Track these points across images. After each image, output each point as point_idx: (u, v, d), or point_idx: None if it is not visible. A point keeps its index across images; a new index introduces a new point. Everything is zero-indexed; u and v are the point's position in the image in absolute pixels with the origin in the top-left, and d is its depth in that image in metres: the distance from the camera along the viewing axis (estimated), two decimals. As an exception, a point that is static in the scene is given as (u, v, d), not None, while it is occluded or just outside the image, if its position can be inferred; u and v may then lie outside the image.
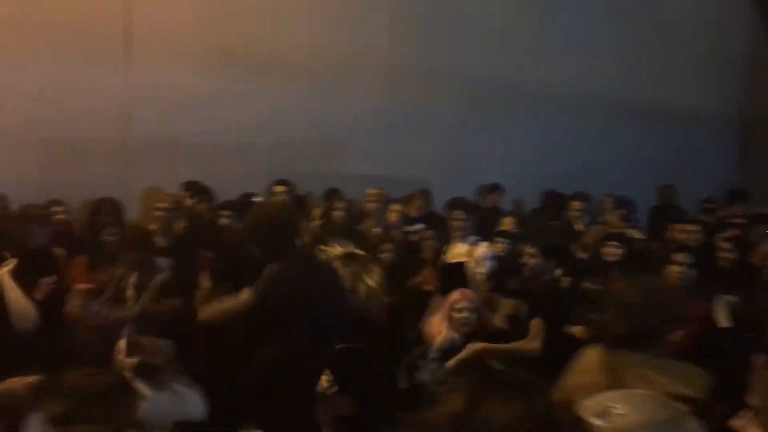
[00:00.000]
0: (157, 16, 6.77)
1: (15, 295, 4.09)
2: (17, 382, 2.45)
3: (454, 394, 1.58)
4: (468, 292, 4.80)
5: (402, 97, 7.83)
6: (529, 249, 4.97)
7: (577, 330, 4.16)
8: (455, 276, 5.49)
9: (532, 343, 4.50)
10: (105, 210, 5.89)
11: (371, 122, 7.76)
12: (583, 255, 5.86)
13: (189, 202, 6.20)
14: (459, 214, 6.14)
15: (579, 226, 6.81)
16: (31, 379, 2.42)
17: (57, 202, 6.03)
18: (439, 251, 5.84)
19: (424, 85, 7.94)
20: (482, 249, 5.63)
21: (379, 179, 7.07)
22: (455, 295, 4.69)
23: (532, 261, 4.92)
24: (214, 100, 6.94)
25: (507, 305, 4.99)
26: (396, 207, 6.64)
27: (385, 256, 5.46)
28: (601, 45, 8.68)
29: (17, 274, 4.17)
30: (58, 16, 6.35)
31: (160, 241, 5.47)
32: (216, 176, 6.59)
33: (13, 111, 6.18)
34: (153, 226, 5.60)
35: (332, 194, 6.85)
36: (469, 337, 4.52)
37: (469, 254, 5.71)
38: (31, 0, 6.35)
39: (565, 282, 4.99)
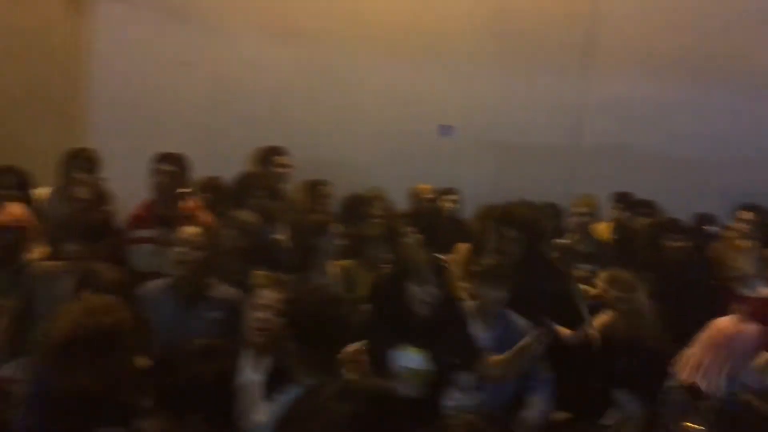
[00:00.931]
0: (623, 26, 6.78)
1: None
2: None
3: None
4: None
5: None
6: None
7: None
8: None
9: None
10: (547, 216, 6.17)
11: None
12: None
13: (619, 214, 6.13)
14: None
15: None
16: None
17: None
18: None
19: None
20: None
21: None
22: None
23: None
24: (669, 111, 6.71)
25: None
26: None
27: None
28: None
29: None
30: (525, 27, 6.81)
31: (580, 246, 5.55)
32: (663, 189, 6.38)
33: (479, 117, 6.88)
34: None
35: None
36: None
37: None
38: (505, 15, 6.92)
39: None
